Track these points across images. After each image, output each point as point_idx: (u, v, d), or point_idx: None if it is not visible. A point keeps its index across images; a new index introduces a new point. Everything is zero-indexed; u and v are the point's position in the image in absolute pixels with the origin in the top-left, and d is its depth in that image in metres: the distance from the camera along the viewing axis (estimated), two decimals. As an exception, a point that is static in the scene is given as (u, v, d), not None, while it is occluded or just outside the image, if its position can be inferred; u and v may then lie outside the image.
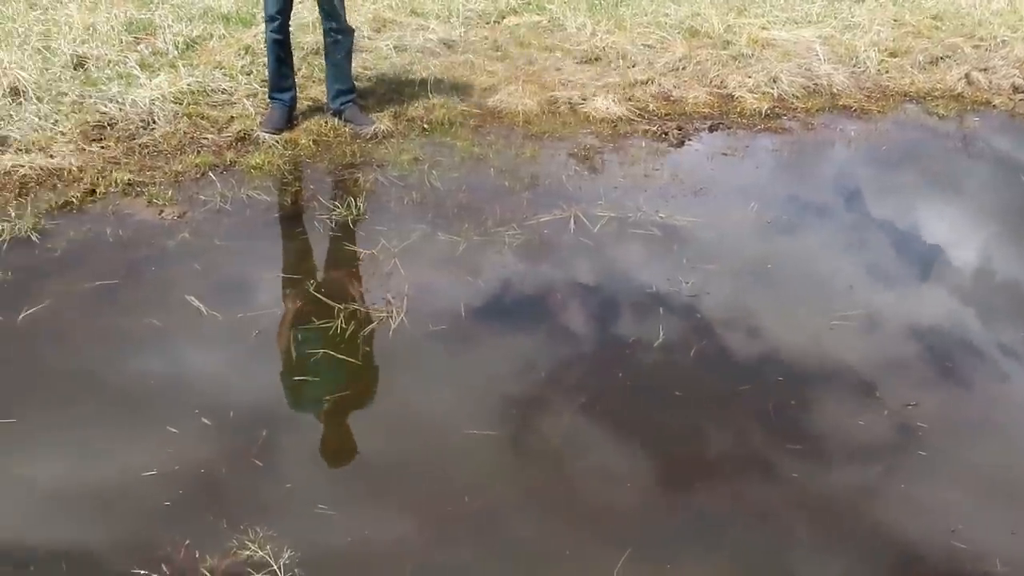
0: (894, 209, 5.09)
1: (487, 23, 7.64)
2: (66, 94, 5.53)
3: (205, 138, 5.29)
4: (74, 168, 4.82)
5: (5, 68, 5.51)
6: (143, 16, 6.88)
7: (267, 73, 5.54)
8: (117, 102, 5.44)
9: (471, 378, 3.57)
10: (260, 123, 5.43)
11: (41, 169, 4.77)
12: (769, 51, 7.04)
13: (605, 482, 3.08)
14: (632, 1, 8.26)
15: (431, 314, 3.84)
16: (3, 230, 4.23)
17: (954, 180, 5.60)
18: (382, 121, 5.60)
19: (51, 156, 4.90)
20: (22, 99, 5.37)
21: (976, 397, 3.67)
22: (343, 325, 3.73)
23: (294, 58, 5.62)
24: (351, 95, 5.61)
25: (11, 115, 5.20)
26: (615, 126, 5.87)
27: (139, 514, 2.86)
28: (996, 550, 2.90)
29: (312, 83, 6.05)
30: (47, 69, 5.79)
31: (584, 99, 6.15)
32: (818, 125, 6.17)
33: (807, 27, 7.64)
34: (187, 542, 2.75)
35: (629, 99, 6.21)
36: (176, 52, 6.28)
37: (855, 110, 6.43)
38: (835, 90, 6.67)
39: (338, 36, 5.41)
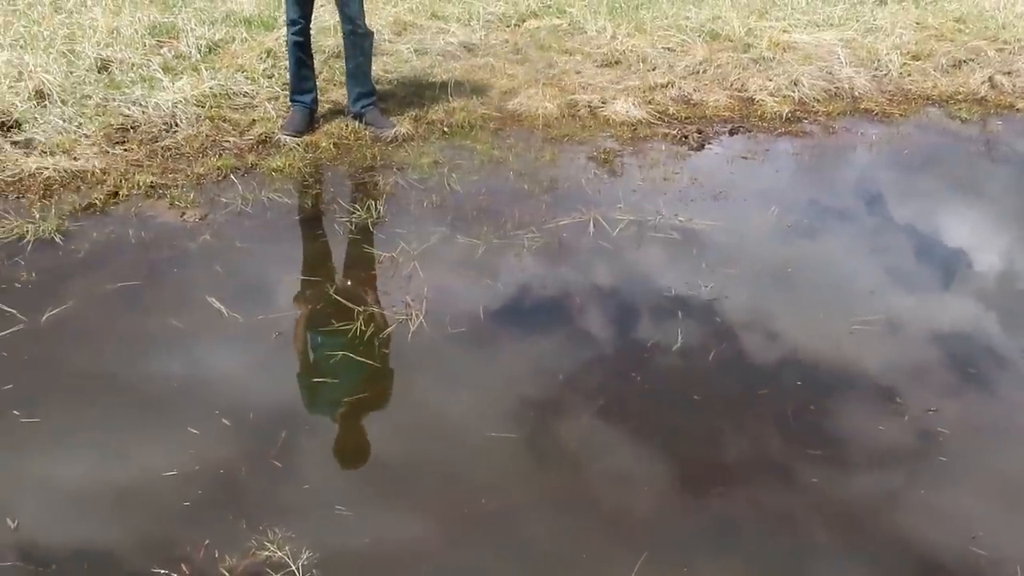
0: (916, 213, 5.07)
1: (507, 26, 7.66)
2: (90, 97, 5.58)
3: (227, 141, 5.33)
4: (97, 170, 4.86)
5: (31, 71, 5.57)
6: (166, 20, 6.93)
7: (288, 76, 5.58)
8: (140, 105, 5.50)
9: (490, 381, 3.57)
10: (281, 126, 5.47)
11: (65, 171, 4.82)
12: (790, 54, 7.03)
13: (623, 485, 3.08)
14: (652, 4, 8.26)
15: (450, 317, 3.85)
16: (27, 231, 4.27)
17: (976, 184, 5.57)
18: (402, 124, 5.62)
19: (75, 158, 4.95)
20: (47, 102, 5.43)
21: (998, 403, 3.64)
22: (362, 327, 3.74)
23: (315, 61, 5.67)
24: (371, 98, 5.64)
25: (36, 118, 5.26)
26: (635, 129, 5.87)
27: (159, 514, 2.88)
28: (1016, 557, 2.88)
29: (333, 86, 6.08)
30: (72, 72, 5.85)
31: (604, 102, 6.15)
32: (839, 129, 6.15)
33: (828, 30, 7.62)
34: (206, 542, 2.76)
35: (649, 102, 6.22)
36: (198, 55, 6.33)
37: (877, 114, 6.41)
38: (856, 93, 6.65)
39: (358, 39, 5.44)
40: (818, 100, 6.48)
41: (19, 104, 5.34)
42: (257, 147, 5.30)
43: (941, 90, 6.81)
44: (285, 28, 5.44)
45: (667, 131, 5.87)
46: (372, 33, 5.59)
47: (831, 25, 7.84)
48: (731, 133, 5.95)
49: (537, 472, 3.13)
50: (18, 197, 4.61)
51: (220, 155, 5.16)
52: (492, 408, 3.38)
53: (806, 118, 6.25)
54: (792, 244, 4.63)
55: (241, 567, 2.69)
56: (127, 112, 5.45)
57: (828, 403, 3.51)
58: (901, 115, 6.41)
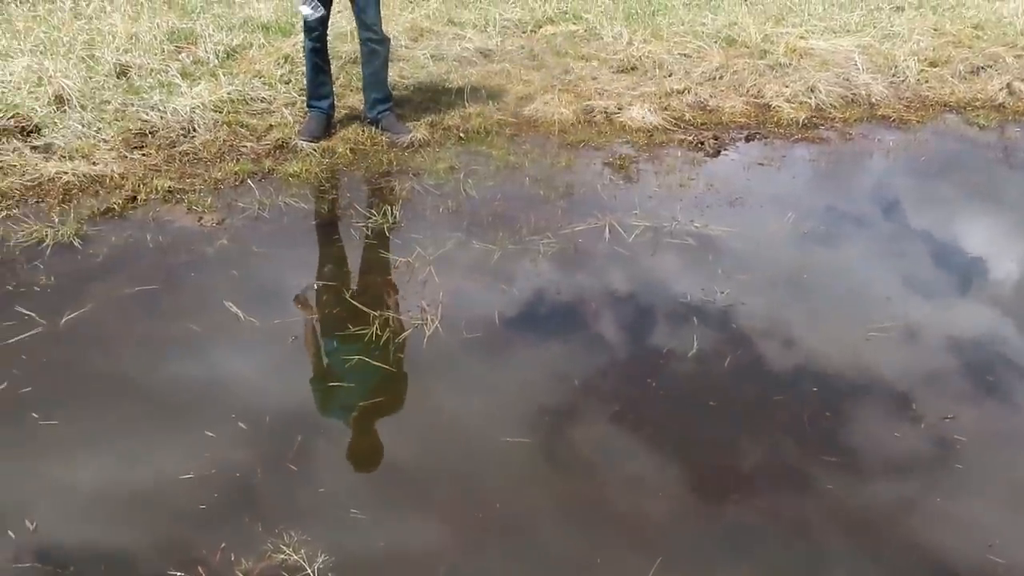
0: (933, 220, 5.05)
1: (523, 32, 7.68)
2: (109, 102, 5.62)
3: (244, 146, 5.36)
4: (116, 175, 4.90)
5: (51, 76, 5.62)
6: (185, 26, 6.98)
7: (305, 82, 5.61)
8: (159, 110, 5.54)
9: (505, 386, 3.57)
10: (298, 131, 5.50)
11: (84, 176, 4.86)
12: (807, 60, 7.02)
13: (638, 490, 3.07)
14: (669, 10, 8.26)
15: (465, 322, 3.86)
16: (47, 236, 4.30)
17: (994, 191, 5.54)
18: (418, 130, 5.64)
19: (94, 163, 4.98)
20: (66, 107, 5.48)
21: (1015, 411, 3.62)
22: (378, 332, 3.75)
23: (332, 67, 5.69)
24: (388, 104, 5.66)
25: (56, 123, 5.31)
26: (651, 135, 5.87)
27: (176, 516, 2.89)
28: (1033, 565, 2.87)
29: (350, 92, 6.11)
30: (91, 78, 5.89)
31: (620, 108, 6.16)
32: (856, 135, 6.13)
33: (846, 36, 7.60)
34: (223, 545, 2.77)
35: (665, 108, 6.22)
36: (216, 61, 6.37)
37: (894, 120, 6.39)
38: (874, 100, 6.63)
39: (375, 46, 5.46)
40: (835, 106, 6.46)
41: (39, 109, 5.39)
42: (274, 152, 5.33)
43: (959, 97, 6.79)
44: (302, 34, 5.46)
45: (683, 137, 5.87)
46: (389, 39, 5.61)
47: (848, 31, 7.83)
48: (747, 139, 5.95)
49: (552, 477, 3.14)
50: (38, 201, 4.65)
51: (237, 160, 5.19)
52: (507, 413, 3.38)
53: (823, 124, 6.24)
54: (808, 250, 4.62)
55: (257, 570, 2.70)
56: (145, 117, 5.49)
57: (844, 410, 3.49)
58: (918, 122, 6.39)
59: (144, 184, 4.83)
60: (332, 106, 5.63)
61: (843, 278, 4.40)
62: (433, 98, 6.22)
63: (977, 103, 6.72)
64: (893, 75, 7.02)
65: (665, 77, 6.73)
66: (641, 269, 4.37)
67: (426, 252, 4.35)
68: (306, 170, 5.12)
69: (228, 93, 5.82)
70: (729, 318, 4.00)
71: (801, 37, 7.47)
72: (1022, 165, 5.90)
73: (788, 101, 6.44)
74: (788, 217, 4.88)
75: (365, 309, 3.91)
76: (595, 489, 3.09)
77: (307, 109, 5.61)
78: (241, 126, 5.56)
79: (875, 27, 7.98)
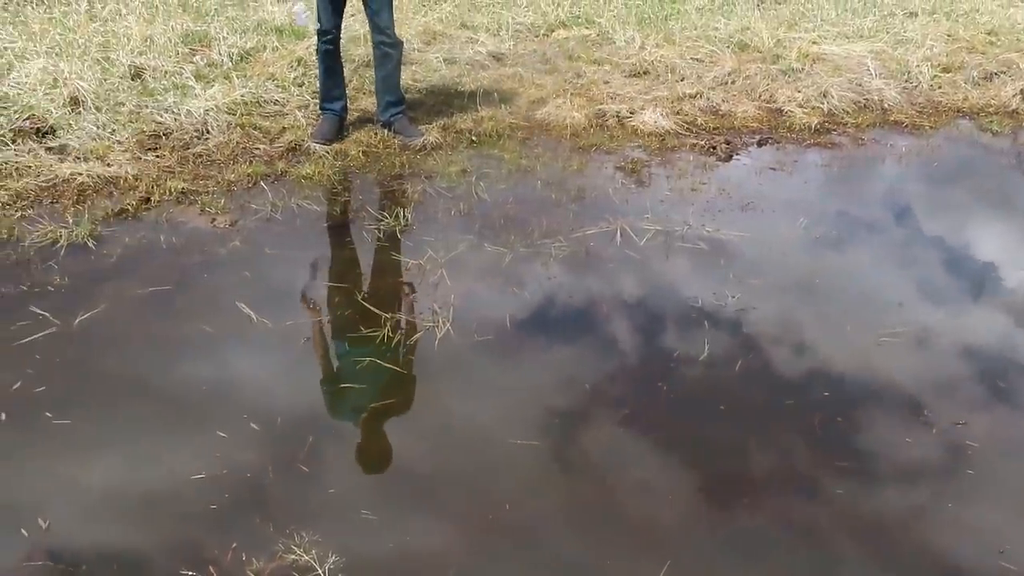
0: (945, 226, 5.04)
1: (536, 36, 7.70)
2: (123, 104, 5.65)
3: (257, 148, 5.38)
4: (130, 176, 4.93)
5: (66, 78, 5.65)
6: (199, 28, 7.01)
7: (318, 85, 5.63)
8: (172, 112, 5.57)
9: (515, 388, 3.57)
10: (311, 134, 5.52)
11: (98, 177, 4.89)
12: (819, 65, 7.01)
13: (647, 494, 3.07)
14: (681, 15, 8.27)
15: (477, 324, 3.87)
16: (61, 236, 4.33)
17: (1007, 197, 5.52)
18: (431, 133, 5.66)
19: (108, 164, 5.01)
20: (81, 109, 5.51)
21: (1027, 417, 3.62)
22: (389, 334, 3.77)
23: (345, 70, 5.71)
24: (400, 107, 5.68)
25: (70, 124, 5.34)
26: (663, 140, 5.88)
27: (188, 516, 2.90)
28: (1045, 572, 2.86)
29: (362, 95, 6.13)
30: (106, 79, 5.93)
31: (632, 112, 6.16)
32: (868, 140, 6.12)
33: (858, 42, 7.59)
34: (234, 545, 2.78)
35: (677, 113, 6.22)
36: (230, 64, 6.40)
37: (906, 126, 6.38)
38: (886, 105, 6.62)
39: (388, 49, 5.48)
40: (847, 112, 6.46)
41: (54, 110, 5.42)
42: (287, 154, 5.36)
43: (972, 102, 6.77)
44: (316, 37, 5.48)
45: (695, 142, 5.87)
46: (402, 43, 5.64)
47: (861, 37, 7.81)
48: (759, 144, 5.95)
49: (561, 480, 3.14)
50: (52, 202, 4.68)
51: (250, 162, 5.21)
52: (517, 415, 3.39)
53: (835, 130, 6.23)
54: (820, 255, 4.61)
55: (268, 570, 2.71)
56: (159, 119, 5.52)
57: (855, 415, 3.49)
58: (931, 127, 6.38)
59: (158, 185, 4.86)
60: (345, 109, 5.65)
61: (855, 283, 4.40)
62: (445, 101, 6.24)
63: (990, 109, 6.70)
64: (906, 80, 7.00)
65: (677, 81, 6.73)
66: (652, 273, 4.37)
67: (438, 255, 4.36)
68: (319, 172, 5.14)
69: (242, 95, 5.85)
70: (740, 323, 4.00)
71: (814, 42, 7.46)
72: (1035, 171, 5.89)
73: (800, 106, 6.44)
74: (800, 222, 4.87)
75: (377, 311, 3.92)
76: (605, 492, 3.09)
77: (320, 112, 5.64)
78: (254, 128, 5.59)
79: (888, 32, 7.97)
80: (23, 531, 2.81)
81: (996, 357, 3.92)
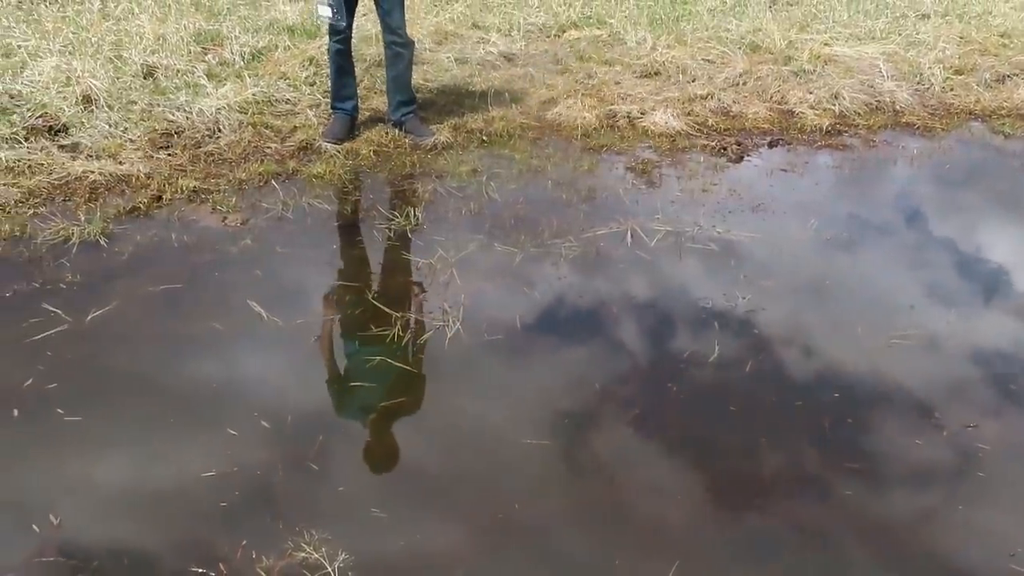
0: (957, 229, 5.02)
1: (547, 37, 7.70)
2: (136, 102, 5.67)
3: (268, 147, 5.40)
4: (142, 175, 4.94)
5: (79, 76, 5.67)
6: (211, 27, 7.04)
7: (330, 84, 5.65)
8: (184, 111, 5.58)
9: (525, 388, 3.58)
10: (322, 133, 5.53)
11: (110, 175, 4.91)
12: (831, 67, 6.99)
13: (657, 494, 3.07)
14: (693, 16, 8.26)
15: (487, 324, 3.87)
16: (73, 234, 4.35)
17: (1019, 200, 5.50)
18: (442, 132, 5.66)
19: (120, 163, 5.03)
20: (94, 107, 5.53)
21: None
22: (400, 333, 3.77)
23: (356, 69, 5.72)
24: (412, 106, 5.69)
25: (83, 122, 5.36)
26: (673, 140, 5.87)
27: (198, 514, 2.91)
28: (1055, 575, 2.85)
29: (374, 94, 6.14)
30: (118, 78, 5.95)
31: (643, 113, 6.16)
32: (880, 142, 6.11)
33: (870, 43, 7.57)
34: (244, 542, 2.79)
35: (688, 114, 6.22)
36: (242, 63, 6.42)
37: (918, 128, 6.36)
38: (898, 107, 6.60)
39: (399, 49, 5.49)
40: (859, 113, 6.44)
41: (67, 108, 5.44)
42: (298, 153, 5.37)
43: (984, 105, 6.75)
44: (327, 36, 5.49)
45: (706, 143, 5.86)
46: (413, 42, 5.64)
47: (873, 38, 7.79)
48: (770, 145, 5.94)
49: (572, 479, 3.14)
50: (65, 200, 4.69)
51: (262, 161, 5.23)
52: (527, 415, 3.39)
53: (847, 131, 6.22)
54: (831, 257, 4.60)
55: (278, 568, 2.71)
56: (171, 118, 5.54)
57: (865, 416, 3.48)
58: (943, 129, 6.36)
59: (169, 184, 4.87)
60: (356, 108, 5.66)
61: (865, 285, 4.39)
62: (456, 101, 6.24)
63: (1003, 111, 6.67)
64: (918, 82, 6.98)
65: (689, 82, 6.73)
66: (662, 274, 4.37)
67: (448, 254, 4.36)
68: (330, 171, 5.15)
69: (253, 94, 5.87)
70: (750, 324, 4.00)
71: (826, 44, 7.44)
72: (1047, 174, 5.87)
73: (812, 107, 6.43)
74: (811, 223, 4.86)
75: (387, 310, 3.93)
76: (614, 492, 3.09)
77: (331, 111, 5.65)
78: (266, 127, 5.60)
79: (900, 34, 7.94)
80: (34, 527, 2.82)
81: (1007, 360, 3.91)
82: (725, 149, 5.78)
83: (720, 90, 6.59)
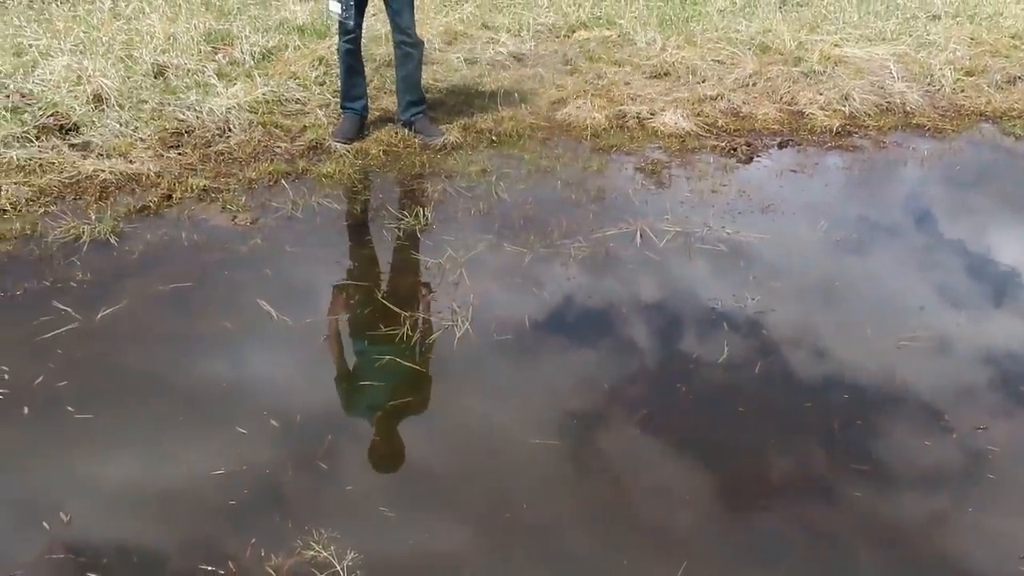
0: (967, 230, 5.01)
1: (557, 37, 7.70)
2: (146, 102, 5.69)
3: (278, 146, 5.41)
4: (152, 174, 4.96)
5: (89, 76, 5.69)
6: (221, 27, 7.05)
7: (339, 83, 5.65)
8: (195, 110, 5.60)
9: (534, 388, 3.58)
10: (332, 132, 5.54)
11: (121, 174, 4.92)
12: (841, 68, 6.98)
13: (666, 495, 3.07)
14: (703, 17, 8.25)
15: (496, 324, 3.87)
16: (84, 232, 4.36)
17: (1029, 201, 5.49)
18: (451, 132, 5.67)
19: (131, 162, 5.05)
20: (104, 106, 5.55)
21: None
22: (409, 332, 3.78)
23: (366, 69, 5.72)
24: (421, 106, 5.69)
25: (94, 121, 5.38)
26: (683, 141, 5.86)
27: (207, 512, 2.92)
28: (1065, 578, 2.84)
29: (383, 94, 6.15)
30: (129, 77, 5.97)
31: (652, 114, 6.15)
32: (890, 143, 6.09)
33: (881, 44, 7.55)
34: (252, 541, 2.80)
35: (698, 114, 6.21)
36: (252, 62, 6.43)
37: (929, 129, 6.34)
38: (908, 108, 6.58)
39: (409, 49, 5.49)
40: (869, 114, 6.43)
41: (78, 108, 5.46)
42: (308, 153, 5.38)
43: (995, 106, 6.72)
44: (337, 36, 5.50)
45: (716, 143, 5.85)
46: (423, 43, 5.65)
47: (883, 39, 7.77)
48: (780, 146, 5.93)
49: (580, 479, 3.14)
50: (75, 198, 4.71)
51: (272, 160, 5.24)
52: (536, 415, 3.39)
53: (856, 132, 6.21)
54: (840, 259, 4.59)
55: (287, 566, 2.72)
56: (182, 117, 5.55)
57: (875, 418, 3.48)
58: (954, 131, 6.34)
59: (179, 183, 4.89)
60: (366, 108, 5.67)
61: (875, 287, 4.38)
62: (466, 101, 6.25)
63: (1014, 113, 6.64)
64: (928, 84, 6.96)
65: (698, 83, 6.72)
66: (672, 274, 4.37)
67: (457, 254, 4.37)
68: (339, 171, 5.16)
69: (263, 94, 5.88)
70: (760, 325, 3.99)
71: (836, 45, 7.43)
72: (1059, 176, 5.85)
73: (822, 108, 6.42)
74: (821, 225, 4.85)
75: (396, 309, 3.93)
76: (622, 492, 3.09)
77: (341, 111, 5.66)
78: (276, 127, 5.62)
79: (911, 35, 7.92)
80: (44, 524, 2.83)
81: (1017, 361, 3.90)
82: (735, 150, 5.77)
83: (730, 91, 6.58)
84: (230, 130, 5.50)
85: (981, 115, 6.63)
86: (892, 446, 3.35)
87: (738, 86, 6.69)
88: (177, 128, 5.47)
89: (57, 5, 7.55)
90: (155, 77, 6.08)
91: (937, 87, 6.93)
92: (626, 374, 3.68)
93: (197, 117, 5.55)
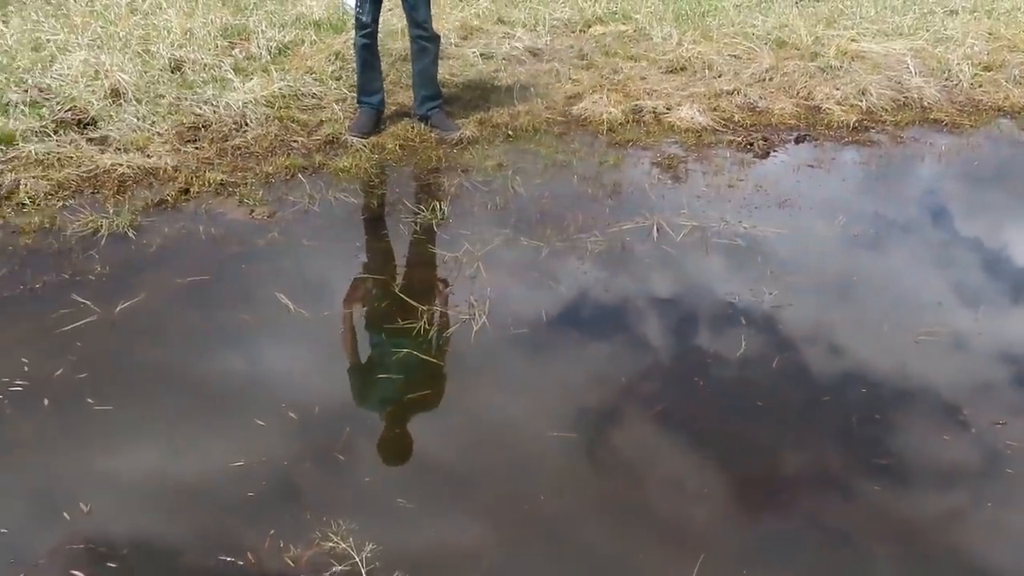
0: (985, 226, 4.98)
1: (573, 32, 7.70)
2: (163, 96, 5.71)
3: (295, 141, 5.42)
4: (169, 168, 4.97)
5: (107, 70, 5.72)
6: (238, 22, 7.07)
7: (356, 78, 5.66)
8: (212, 104, 5.62)
9: (552, 381, 3.57)
10: (348, 127, 5.55)
11: (138, 168, 4.94)
12: (858, 63, 6.96)
13: (684, 488, 3.07)
14: (718, 11, 8.24)
15: (513, 318, 3.88)
16: (102, 226, 4.38)
17: (1048, 197, 5.47)
18: (467, 127, 5.67)
19: (148, 156, 5.07)
20: (122, 100, 5.58)
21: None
22: (426, 326, 3.78)
23: (382, 64, 5.73)
24: (437, 101, 5.69)
25: (111, 116, 5.40)
26: (699, 136, 5.85)
27: (226, 503, 2.93)
28: (1086, 573, 2.83)
29: (400, 89, 6.16)
30: (146, 72, 5.99)
31: (669, 108, 6.15)
32: (907, 139, 6.07)
33: (898, 39, 7.53)
34: (271, 532, 2.80)
35: (714, 109, 6.20)
36: (269, 57, 6.46)
37: (946, 124, 6.31)
38: (926, 103, 6.56)
39: (425, 43, 5.50)
40: (886, 109, 6.40)
41: (95, 102, 5.48)
42: (324, 147, 5.39)
43: (1013, 101, 6.69)
44: (353, 31, 5.51)
45: (732, 138, 5.84)
46: (439, 37, 5.65)
47: (900, 34, 7.75)
48: (797, 141, 5.91)
49: (598, 472, 3.14)
50: (93, 192, 4.73)
51: (288, 154, 5.25)
52: (554, 408, 3.39)
53: (874, 127, 6.18)
54: (858, 253, 4.58)
55: (305, 557, 2.72)
56: (199, 111, 5.57)
57: (893, 413, 3.46)
58: (971, 126, 6.31)
59: (197, 177, 4.90)
60: (382, 102, 5.67)
61: (893, 282, 4.36)
62: (482, 96, 6.25)
63: (1032, 108, 6.62)
64: (946, 79, 6.93)
65: (714, 78, 6.71)
66: (689, 269, 4.36)
67: (474, 248, 4.37)
68: (356, 165, 5.17)
69: (280, 88, 5.90)
70: (777, 319, 3.98)
71: (852, 39, 7.41)
72: (1077, 171, 5.81)
73: (839, 103, 6.39)
74: (838, 219, 4.84)
75: (413, 303, 3.94)
76: (641, 485, 3.08)
77: (357, 105, 5.67)
78: (292, 121, 5.63)
79: (928, 30, 7.89)
80: (65, 515, 2.84)
81: (1037, 357, 3.88)
82: (751, 145, 5.76)
83: (746, 86, 6.56)
84: (247, 124, 5.51)
85: (999, 110, 6.59)
86: (911, 441, 3.34)
87: (754, 81, 6.68)
88: (194, 122, 5.49)
89: (74, 0, 7.57)
90: (172, 72, 6.10)
91: (955, 82, 6.91)
92: (644, 368, 3.67)
93: (214, 112, 5.57)
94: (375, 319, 3.91)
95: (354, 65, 5.72)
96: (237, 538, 2.80)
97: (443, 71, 6.20)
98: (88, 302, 3.83)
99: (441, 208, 4.72)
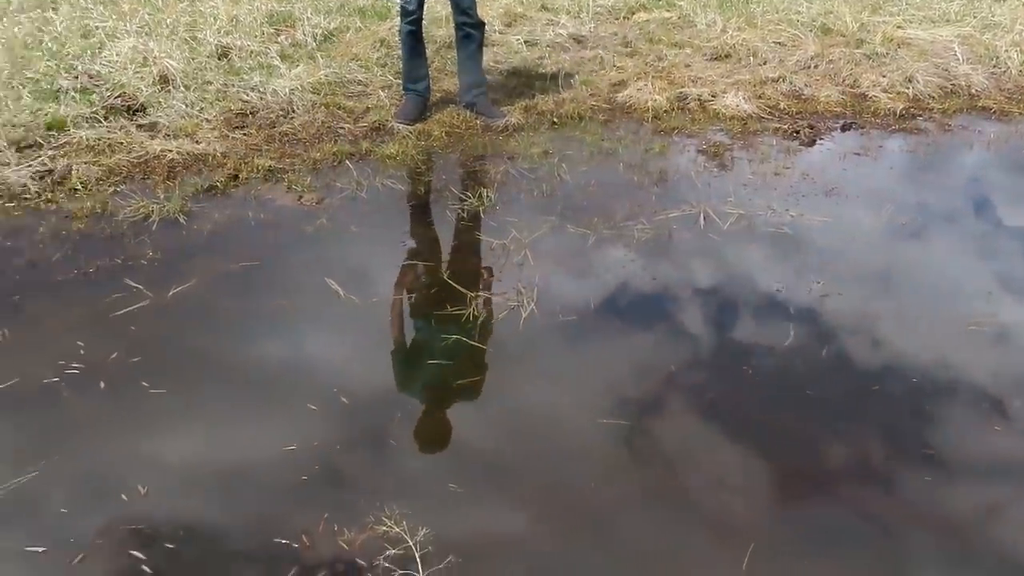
0: (1036, 215, 4.93)
1: (616, 19, 7.67)
2: (211, 83, 5.76)
3: (342, 127, 5.45)
4: (218, 154, 5.03)
5: (155, 57, 5.77)
6: (283, 9, 7.12)
7: (401, 65, 5.69)
8: (259, 91, 5.67)
9: (601, 368, 3.57)
10: (394, 114, 5.57)
11: (188, 154, 4.99)
12: (904, 50, 6.88)
13: (733, 477, 3.07)
14: (763, -2, 8.17)
15: (561, 305, 3.88)
16: (153, 211, 4.43)
17: (1100, 186, 5.39)
18: (512, 114, 5.68)
19: (197, 142, 5.12)
20: (170, 87, 5.63)
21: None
22: (475, 312, 3.80)
23: (427, 51, 5.74)
24: (482, 88, 5.71)
25: (160, 102, 5.46)
26: (745, 123, 5.83)
27: (280, 486, 2.96)
28: None
29: (444, 76, 6.18)
30: (193, 59, 6.05)
31: (714, 96, 6.12)
32: (955, 126, 6.01)
33: (944, 26, 7.44)
34: (325, 515, 2.84)
35: (759, 97, 6.16)
36: (314, 44, 6.50)
37: (995, 112, 6.24)
38: (973, 91, 6.48)
39: (470, 30, 5.51)
40: (933, 97, 6.34)
41: (144, 89, 5.54)
42: (371, 134, 5.42)
43: (1064, 88, 6.60)
44: (398, 18, 5.53)
45: (778, 126, 5.81)
46: (483, 24, 5.65)
47: (947, 21, 7.66)
48: (843, 129, 5.87)
49: (647, 460, 3.14)
50: (144, 178, 4.79)
51: (335, 141, 5.28)
52: (603, 395, 3.40)
53: (921, 115, 6.12)
54: (906, 243, 4.54)
55: (359, 541, 2.75)
56: (246, 98, 5.62)
57: (943, 402, 3.44)
58: (1021, 114, 6.23)
59: (245, 163, 4.95)
60: (428, 89, 5.69)
61: (941, 271, 4.33)
62: (527, 83, 6.25)
63: (1083, 95, 6.52)
64: (994, 66, 6.85)
65: (759, 65, 6.67)
66: (736, 257, 4.35)
67: (521, 235, 4.38)
68: (402, 152, 5.19)
69: (326, 75, 5.94)
70: (825, 308, 3.96)
71: (899, 26, 7.33)
72: None
73: (885, 91, 6.34)
74: (885, 208, 4.80)
75: (462, 290, 3.96)
76: (689, 475, 3.09)
77: (403, 92, 5.69)
78: (339, 108, 5.66)
79: (975, 17, 7.79)
80: (123, 496, 2.89)
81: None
82: (797, 132, 5.72)
83: (791, 73, 6.52)
84: (294, 111, 5.56)
85: (1049, 98, 6.50)
86: (961, 431, 3.32)
87: (800, 68, 6.64)
88: (242, 109, 5.54)
89: (122, -12, 7.65)
90: (219, 59, 6.15)
91: (1003, 69, 6.82)
92: (692, 356, 3.67)
93: (261, 98, 5.62)
94: (424, 305, 3.93)
95: (399, 52, 5.74)
96: (291, 521, 2.83)
97: (487, 58, 6.20)
98: (141, 287, 3.88)
99: (488, 195, 4.74)
